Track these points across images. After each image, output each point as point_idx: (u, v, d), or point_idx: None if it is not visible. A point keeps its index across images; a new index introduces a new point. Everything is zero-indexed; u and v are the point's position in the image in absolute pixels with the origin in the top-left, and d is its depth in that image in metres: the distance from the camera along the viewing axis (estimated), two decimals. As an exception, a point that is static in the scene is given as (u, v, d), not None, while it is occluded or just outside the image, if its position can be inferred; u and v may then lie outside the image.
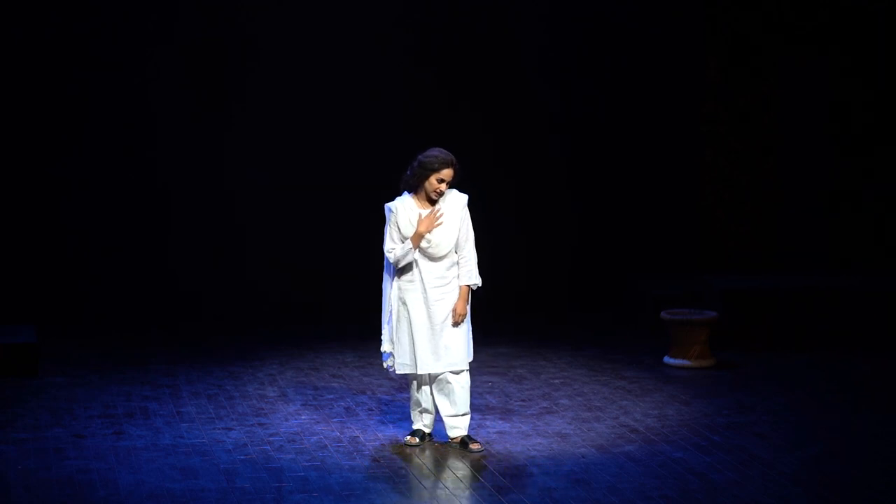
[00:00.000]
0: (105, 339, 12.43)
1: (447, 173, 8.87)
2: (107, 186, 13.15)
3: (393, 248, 8.96)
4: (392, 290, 9.08)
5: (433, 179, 8.88)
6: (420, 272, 8.97)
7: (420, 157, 8.93)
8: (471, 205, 9.08)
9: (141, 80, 13.12)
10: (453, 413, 9.10)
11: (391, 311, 9.08)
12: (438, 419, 9.28)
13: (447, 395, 9.08)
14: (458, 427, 9.13)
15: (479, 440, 9.19)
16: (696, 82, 13.97)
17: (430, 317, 8.95)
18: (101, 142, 13.11)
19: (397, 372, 9.13)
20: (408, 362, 9.02)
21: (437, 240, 8.92)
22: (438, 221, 8.91)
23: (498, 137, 13.74)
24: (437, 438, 9.25)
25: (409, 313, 8.98)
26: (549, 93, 13.88)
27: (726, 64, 13.88)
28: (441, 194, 8.93)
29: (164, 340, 12.45)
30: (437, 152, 8.91)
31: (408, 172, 8.99)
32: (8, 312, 12.54)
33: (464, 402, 9.09)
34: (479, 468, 8.66)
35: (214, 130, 13.33)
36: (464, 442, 9.12)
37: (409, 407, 9.51)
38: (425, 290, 8.95)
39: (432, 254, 8.94)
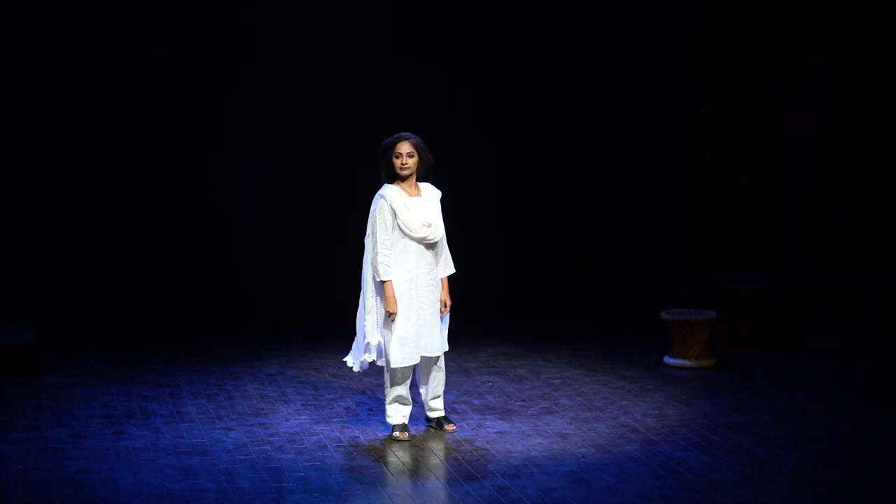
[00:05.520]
0: (105, 339, 12.43)
1: (403, 146, 9.06)
2: (107, 186, 13.15)
3: (386, 258, 8.99)
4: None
5: (392, 158, 9.06)
6: (416, 260, 9.11)
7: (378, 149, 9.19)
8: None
9: (141, 81, 13.13)
10: (436, 395, 9.43)
11: (377, 304, 9.14)
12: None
13: (432, 379, 9.36)
14: (437, 409, 9.47)
15: (453, 421, 9.54)
16: (696, 82, 13.96)
17: (421, 305, 9.11)
18: (101, 142, 13.11)
19: (392, 366, 9.13)
20: (405, 355, 9.08)
21: (436, 224, 9.12)
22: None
23: (498, 138, 13.72)
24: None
25: (403, 304, 9.06)
26: (548, 93, 13.87)
27: (726, 64, 13.87)
28: (406, 168, 9.05)
29: (164, 340, 12.45)
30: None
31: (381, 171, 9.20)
32: (8, 312, 12.54)
33: (443, 384, 9.45)
34: (479, 468, 8.66)
35: (213, 131, 13.34)
36: (440, 423, 9.44)
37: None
38: (418, 277, 9.10)
39: (431, 240, 9.12)
